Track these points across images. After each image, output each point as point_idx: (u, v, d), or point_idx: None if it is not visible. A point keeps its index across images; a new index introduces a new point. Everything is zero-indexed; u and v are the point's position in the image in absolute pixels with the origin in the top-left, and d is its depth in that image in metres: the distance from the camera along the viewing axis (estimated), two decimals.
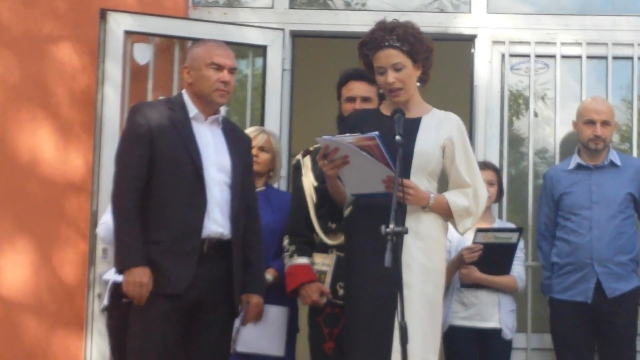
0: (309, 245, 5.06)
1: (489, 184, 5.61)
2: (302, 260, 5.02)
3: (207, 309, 4.50)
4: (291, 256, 5.05)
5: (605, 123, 5.62)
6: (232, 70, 4.62)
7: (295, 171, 5.17)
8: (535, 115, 6.43)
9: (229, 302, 4.56)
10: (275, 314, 5.27)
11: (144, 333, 4.41)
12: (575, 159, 5.71)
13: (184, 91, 4.69)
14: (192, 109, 4.60)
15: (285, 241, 5.11)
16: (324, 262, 4.97)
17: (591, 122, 5.62)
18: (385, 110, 4.57)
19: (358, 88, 5.03)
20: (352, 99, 5.06)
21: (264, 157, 5.43)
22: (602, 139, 5.61)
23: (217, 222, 4.50)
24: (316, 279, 4.97)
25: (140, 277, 4.36)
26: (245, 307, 4.63)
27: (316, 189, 4.83)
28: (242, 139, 4.77)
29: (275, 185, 5.75)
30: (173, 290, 4.40)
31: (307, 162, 5.11)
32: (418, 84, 4.57)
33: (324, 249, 4.98)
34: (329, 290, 4.91)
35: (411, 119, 4.48)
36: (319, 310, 4.97)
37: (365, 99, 5.01)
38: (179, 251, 4.43)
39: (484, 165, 5.66)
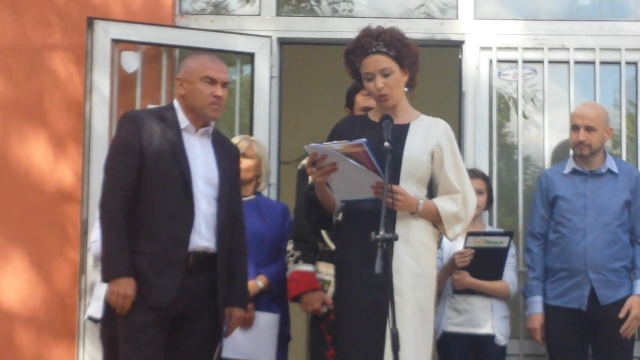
0: (314, 252, 5.05)
1: (478, 192, 5.57)
2: (307, 268, 5.02)
3: (191, 321, 4.50)
4: (296, 262, 5.05)
5: (589, 128, 5.53)
6: (225, 85, 4.61)
7: (301, 176, 5.13)
8: (525, 117, 6.44)
9: (213, 315, 4.54)
10: (266, 320, 5.27)
11: (129, 343, 4.40)
12: (571, 164, 5.66)
13: (175, 101, 4.66)
14: (184, 121, 4.58)
15: (290, 246, 5.10)
16: (327, 272, 4.96)
17: (575, 128, 5.58)
18: (374, 116, 4.56)
19: None
20: (369, 110, 4.87)
21: (246, 163, 5.38)
22: (587, 145, 5.54)
23: (203, 235, 4.49)
24: (319, 287, 4.97)
25: (125, 289, 4.36)
26: (228, 321, 4.61)
27: (305, 196, 4.77)
28: (230, 151, 4.75)
29: (265, 193, 5.73)
30: (157, 302, 4.39)
31: None
32: (406, 89, 4.57)
33: (329, 256, 4.95)
34: (331, 301, 4.88)
35: (399, 125, 4.47)
36: (322, 316, 4.97)
37: None
38: (165, 263, 4.42)
39: (473, 174, 5.63)
